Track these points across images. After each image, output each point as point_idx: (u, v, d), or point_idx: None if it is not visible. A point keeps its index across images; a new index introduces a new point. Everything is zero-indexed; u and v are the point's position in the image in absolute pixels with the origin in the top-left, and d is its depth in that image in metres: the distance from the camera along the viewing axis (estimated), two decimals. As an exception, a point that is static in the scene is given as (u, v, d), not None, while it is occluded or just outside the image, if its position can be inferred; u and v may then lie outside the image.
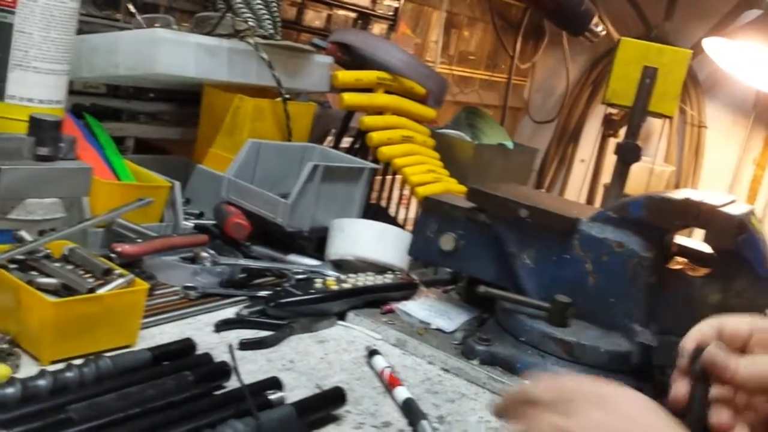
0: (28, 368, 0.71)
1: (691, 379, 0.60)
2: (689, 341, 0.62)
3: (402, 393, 0.82)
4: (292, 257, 1.19)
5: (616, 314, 0.91)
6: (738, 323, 0.62)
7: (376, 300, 1.06)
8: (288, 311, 0.97)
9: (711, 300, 0.87)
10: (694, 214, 0.86)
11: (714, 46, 2.18)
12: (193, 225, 1.17)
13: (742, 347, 0.60)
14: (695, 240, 1.02)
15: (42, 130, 0.85)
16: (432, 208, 1.06)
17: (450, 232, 1.04)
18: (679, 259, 0.94)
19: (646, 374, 0.91)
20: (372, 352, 0.91)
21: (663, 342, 0.89)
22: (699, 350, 0.60)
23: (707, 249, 0.92)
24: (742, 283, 0.85)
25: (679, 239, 0.97)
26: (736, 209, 0.86)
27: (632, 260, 0.90)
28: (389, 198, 1.66)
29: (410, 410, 0.79)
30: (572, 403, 0.56)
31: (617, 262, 0.90)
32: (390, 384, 0.84)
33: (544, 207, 0.97)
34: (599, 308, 0.92)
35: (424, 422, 0.77)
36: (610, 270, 0.91)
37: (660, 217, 0.88)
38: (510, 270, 0.98)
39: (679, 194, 0.89)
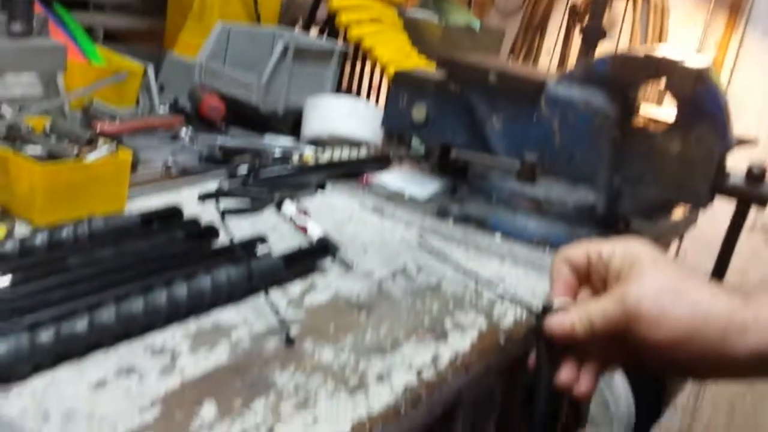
0: (22, 231, 0.74)
1: (536, 345, 0.62)
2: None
3: (315, 231, 0.87)
4: (269, 137, 1.21)
5: (582, 168, 0.95)
6: (576, 251, 0.64)
7: (352, 173, 1.10)
8: (267, 185, 1.00)
9: (672, 150, 0.91)
10: (656, 66, 0.89)
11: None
12: (168, 108, 1.18)
13: (585, 276, 0.63)
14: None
15: (15, 4, 0.85)
16: (402, 81, 1.09)
17: (421, 102, 1.06)
18: (643, 116, 0.98)
19: (610, 225, 0.96)
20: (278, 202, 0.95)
21: (626, 192, 0.94)
22: (545, 309, 0.61)
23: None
24: (702, 132, 0.89)
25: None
26: (696, 62, 0.90)
27: (597, 117, 0.93)
28: (359, 86, 1.68)
29: (327, 244, 0.82)
30: None
31: (583, 120, 0.94)
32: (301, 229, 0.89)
33: (513, 72, 1.00)
34: (565, 164, 0.96)
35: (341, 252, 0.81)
36: (576, 128, 0.95)
37: (624, 72, 0.92)
38: (480, 135, 1.02)
39: (642, 50, 0.93)
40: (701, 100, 0.89)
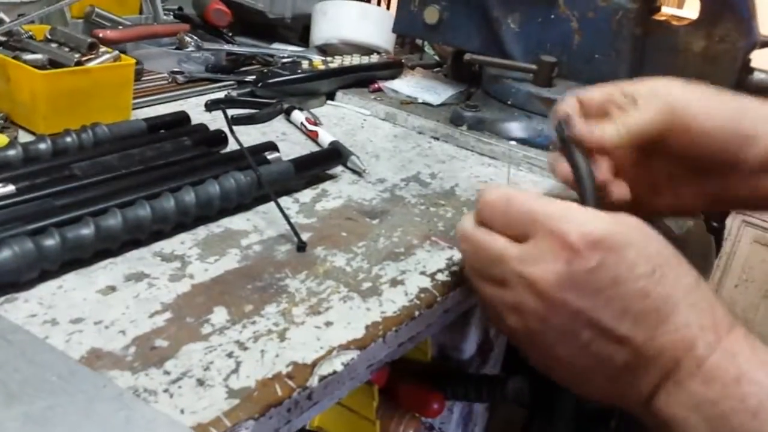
0: (25, 140, 0.72)
1: (566, 152, 0.61)
2: (553, 119, 0.63)
3: (326, 138, 0.85)
4: (276, 45, 1.18)
5: (602, 70, 0.91)
6: (591, 92, 0.64)
7: (363, 79, 1.07)
8: (276, 91, 0.97)
9: (695, 48, 0.88)
10: (680, -41, 0.85)
11: None
12: (172, 16, 1.15)
13: (601, 113, 0.62)
14: None
15: None
16: (415, -19, 1.04)
17: (434, 4, 1.02)
18: (664, 11, 0.93)
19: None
20: (288, 110, 0.93)
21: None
22: (561, 123, 0.61)
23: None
24: (726, 27, 0.85)
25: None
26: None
27: (618, 13, 0.89)
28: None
29: (338, 149, 0.81)
30: (529, 241, 0.51)
31: (603, 17, 0.90)
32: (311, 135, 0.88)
33: (529, -32, 0.95)
34: (585, 65, 0.92)
35: (353, 157, 0.80)
36: (595, 26, 0.91)
37: (646, -35, 0.87)
38: (495, 37, 0.98)
39: (665, -58, 0.88)
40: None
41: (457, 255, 0.64)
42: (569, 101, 0.63)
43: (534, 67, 0.92)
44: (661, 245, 0.50)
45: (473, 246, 0.54)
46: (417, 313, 0.56)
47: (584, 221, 0.49)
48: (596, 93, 0.63)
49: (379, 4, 1.54)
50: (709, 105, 0.60)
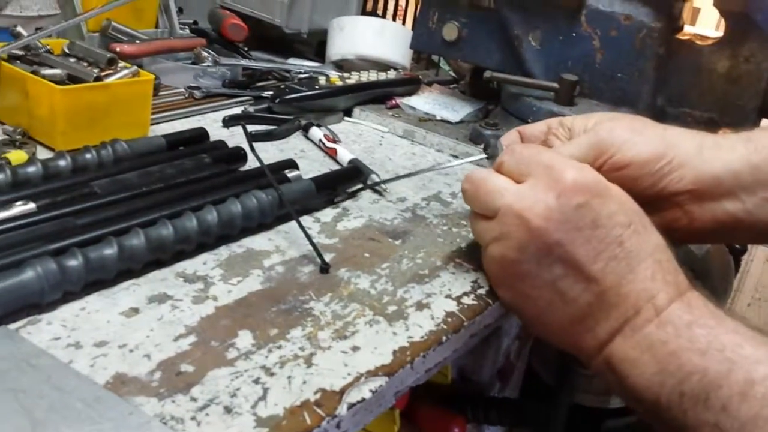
0: (43, 156, 0.71)
1: None
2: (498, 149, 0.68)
3: (345, 155, 0.84)
4: (293, 60, 1.17)
5: (624, 89, 0.90)
6: (533, 125, 0.69)
7: (380, 96, 1.06)
8: (293, 107, 0.96)
9: (719, 68, 0.86)
10: (705, -22, 0.84)
11: None
12: (188, 31, 1.14)
13: (543, 145, 0.66)
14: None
15: None
16: (433, -3, 1.03)
17: (453, 20, 1.01)
18: (688, 30, 0.92)
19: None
20: (306, 127, 0.92)
21: (669, 113, 0.90)
22: (498, 146, 0.67)
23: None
24: (751, 47, 0.84)
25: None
26: (748, -27, 0.84)
27: (641, 32, 0.88)
28: (385, 8, 1.62)
29: (359, 167, 0.81)
30: (527, 175, 0.56)
31: (625, 36, 0.89)
32: (330, 152, 0.87)
33: (551, -15, 0.95)
34: (606, 84, 0.91)
35: (373, 176, 0.79)
36: (618, 44, 0.90)
37: (669, -16, 0.86)
38: (516, 55, 0.97)
39: (689, -39, 0.87)
40: (752, 10, 0.83)
41: (482, 278, 0.63)
42: (511, 134, 0.69)
43: (555, 85, 0.91)
44: (638, 207, 0.55)
45: (474, 184, 0.59)
46: (444, 338, 0.55)
47: (581, 168, 0.54)
48: (537, 126, 0.68)
49: (394, 19, 1.53)
50: (632, 135, 0.62)
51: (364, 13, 1.37)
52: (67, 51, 0.81)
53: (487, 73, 0.94)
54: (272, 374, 0.47)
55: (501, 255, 0.56)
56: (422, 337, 0.54)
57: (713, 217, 0.62)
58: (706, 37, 0.89)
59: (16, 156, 0.67)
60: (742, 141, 0.62)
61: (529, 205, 0.53)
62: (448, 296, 0.60)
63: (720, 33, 0.89)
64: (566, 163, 0.55)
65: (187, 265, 0.57)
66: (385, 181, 0.78)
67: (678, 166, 0.61)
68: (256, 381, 0.46)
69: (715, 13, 0.89)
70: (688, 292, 0.52)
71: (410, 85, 1.10)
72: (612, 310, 0.51)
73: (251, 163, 0.75)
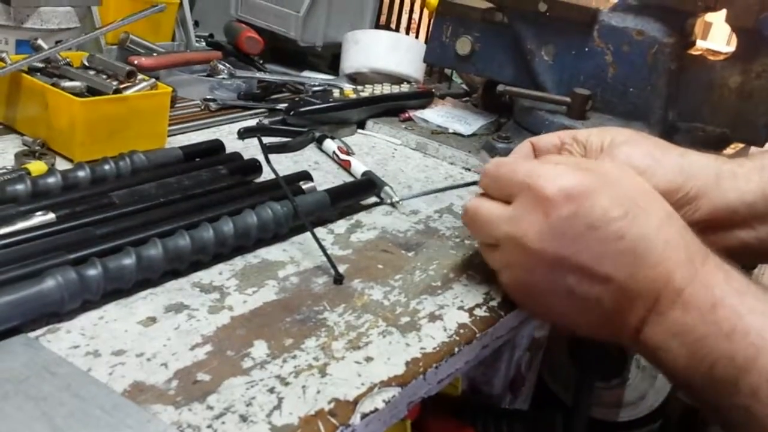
0: (62, 167, 0.73)
1: None
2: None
3: (359, 167, 0.85)
4: (307, 73, 1.18)
5: (636, 103, 0.91)
6: (546, 137, 0.68)
7: (393, 109, 1.07)
8: (308, 119, 0.97)
9: (731, 83, 0.87)
10: (717, -7, 0.85)
11: None
12: (204, 44, 1.16)
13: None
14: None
15: (48, -65, 0.82)
16: (447, 11, 1.04)
17: (466, 35, 1.02)
18: (700, 45, 0.93)
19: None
20: (320, 139, 0.93)
21: (681, 128, 0.90)
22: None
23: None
24: (763, 63, 0.84)
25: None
26: (760, -11, 0.84)
27: (653, 47, 0.89)
28: (398, 21, 1.63)
29: (372, 179, 0.81)
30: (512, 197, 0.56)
31: (638, 51, 0.90)
32: (344, 165, 0.88)
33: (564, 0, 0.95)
34: (619, 99, 0.92)
35: (387, 188, 0.80)
36: (630, 59, 0.90)
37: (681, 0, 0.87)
38: (528, 69, 0.98)
39: (701, -23, 0.87)
40: (764, 27, 0.84)
41: (495, 290, 0.64)
42: (524, 145, 0.68)
43: (568, 99, 0.92)
44: (631, 186, 0.54)
45: (470, 217, 0.60)
46: (457, 349, 0.55)
47: (557, 175, 0.54)
48: (549, 137, 0.67)
49: (407, 33, 1.54)
50: (651, 164, 0.61)
51: (377, 26, 1.38)
52: (86, 64, 0.82)
53: (501, 87, 0.95)
54: (287, 384, 0.47)
55: (514, 279, 0.58)
56: (435, 348, 0.54)
57: (725, 245, 0.62)
58: (718, 53, 0.90)
59: (36, 167, 0.68)
60: (757, 170, 0.62)
61: (523, 231, 0.54)
62: (461, 308, 0.61)
63: (732, 48, 0.89)
64: (542, 177, 0.54)
65: (204, 276, 0.58)
66: (402, 199, 0.78)
67: (695, 198, 0.61)
68: (271, 390, 0.46)
69: (727, 28, 0.89)
70: (704, 265, 0.51)
71: (423, 98, 1.11)
72: (635, 300, 0.52)
73: (266, 175, 0.76)
